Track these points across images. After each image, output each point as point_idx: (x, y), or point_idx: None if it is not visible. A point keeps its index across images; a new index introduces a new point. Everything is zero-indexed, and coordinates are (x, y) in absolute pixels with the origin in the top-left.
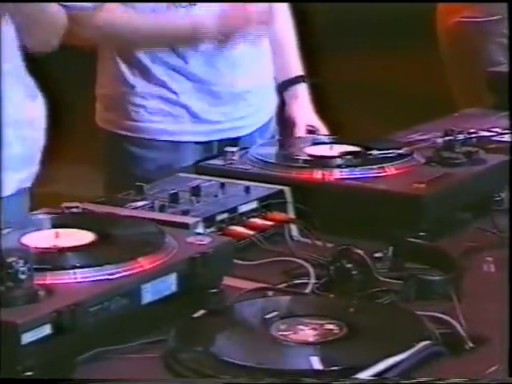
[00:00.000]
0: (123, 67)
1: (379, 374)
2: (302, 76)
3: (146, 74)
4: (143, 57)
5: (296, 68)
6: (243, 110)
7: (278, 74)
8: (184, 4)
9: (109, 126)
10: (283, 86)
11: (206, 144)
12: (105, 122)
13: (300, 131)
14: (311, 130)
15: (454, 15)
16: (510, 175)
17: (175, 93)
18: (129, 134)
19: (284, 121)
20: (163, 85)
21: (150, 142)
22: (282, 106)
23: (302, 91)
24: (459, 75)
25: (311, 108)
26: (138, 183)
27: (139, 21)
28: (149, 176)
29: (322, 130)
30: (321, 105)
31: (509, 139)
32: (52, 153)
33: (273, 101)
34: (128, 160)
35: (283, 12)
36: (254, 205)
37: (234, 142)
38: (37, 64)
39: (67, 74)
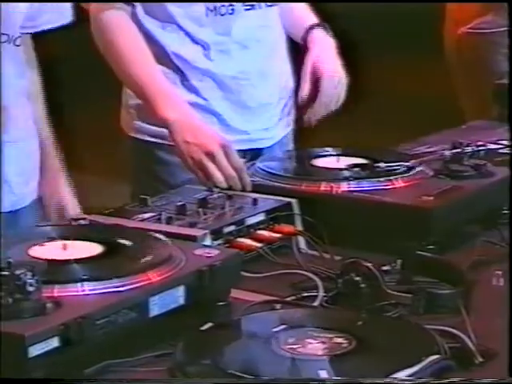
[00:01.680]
0: None
1: None
2: (319, 24)
3: (178, 80)
4: (176, 63)
5: (311, 18)
6: (268, 121)
7: (294, 30)
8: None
9: (140, 135)
10: (304, 35)
11: None
12: (136, 130)
13: (324, 80)
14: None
15: (462, 26)
16: (510, 187)
17: (206, 99)
18: (159, 140)
19: (307, 74)
20: (195, 91)
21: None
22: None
23: (324, 36)
24: (466, 86)
25: (335, 54)
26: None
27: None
28: (177, 182)
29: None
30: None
31: None
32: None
33: (291, 113)
34: (158, 166)
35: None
36: (261, 217)
37: (256, 153)
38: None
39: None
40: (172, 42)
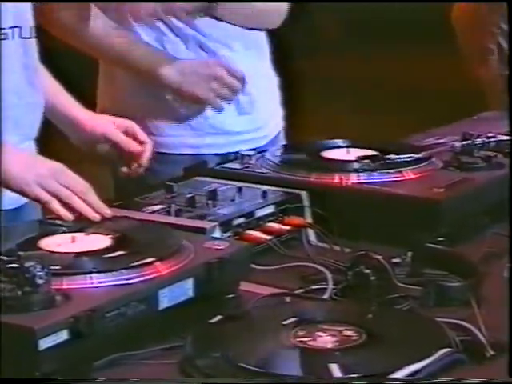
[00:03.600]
0: (139, 81)
1: None
2: None
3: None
4: None
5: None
6: (259, 120)
7: None
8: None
9: None
10: None
11: (224, 156)
12: None
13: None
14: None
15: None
16: (510, 181)
17: None
18: None
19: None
20: None
21: (169, 156)
22: None
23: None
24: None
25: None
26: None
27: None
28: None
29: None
30: (337, 105)
31: None
32: (62, 153)
33: (281, 111)
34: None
35: None
36: (270, 209)
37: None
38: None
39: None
40: (155, 39)
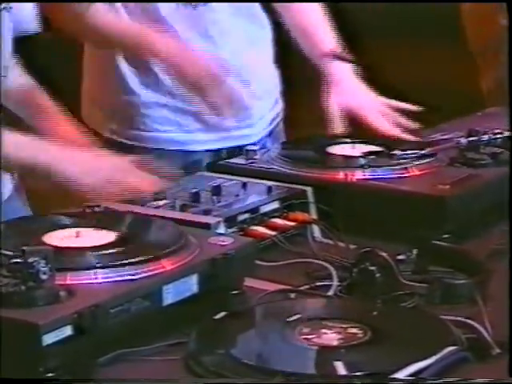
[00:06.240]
0: (127, 74)
1: None
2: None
3: (152, 81)
4: (151, 64)
5: (328, 39)
6: (252, 117)
7: (304, 44)
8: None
9: (114, 136)
10: (321, 62)
11: (216, 152)
12: (109, 131)
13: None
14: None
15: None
16: (509, 183)
17: (182, 100)
18: (135, 143)
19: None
20: (171, 92)
21: (158, 151)
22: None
23: (344, 66)
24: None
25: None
26: None
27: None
28: None
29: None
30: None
31: None
32: None
33: (279, 106)
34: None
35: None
36: (275, 205)
37: (240, 150)
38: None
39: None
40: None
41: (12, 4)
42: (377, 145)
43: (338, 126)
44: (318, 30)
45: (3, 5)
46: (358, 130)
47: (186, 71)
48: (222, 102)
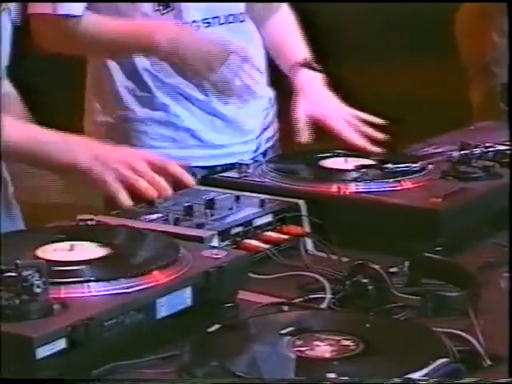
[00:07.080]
0: (121, 91)
1: None
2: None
3: (147, 97)
4: (146, 80)
5: (300, 51)
6: (246, 134)
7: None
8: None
9: None
10: (291, 72)
11: (210, 169)
12: None
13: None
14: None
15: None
16: (510, 189)
17: (177, 116)
18: None
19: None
20: (164, 109)
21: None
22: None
23: (312, 75)
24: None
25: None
26: None
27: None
28: None
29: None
30: None
31: None
32: None
33: (275, 125)
34: None
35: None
36: (268, 218)
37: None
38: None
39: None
40: (143, 57)
41: None
42: (369, 158)
43: (305, 135)
44: (290, 42)
45: (3, 5)
46: (325, 139)
47: (187, 49)
48: (223, 85)
